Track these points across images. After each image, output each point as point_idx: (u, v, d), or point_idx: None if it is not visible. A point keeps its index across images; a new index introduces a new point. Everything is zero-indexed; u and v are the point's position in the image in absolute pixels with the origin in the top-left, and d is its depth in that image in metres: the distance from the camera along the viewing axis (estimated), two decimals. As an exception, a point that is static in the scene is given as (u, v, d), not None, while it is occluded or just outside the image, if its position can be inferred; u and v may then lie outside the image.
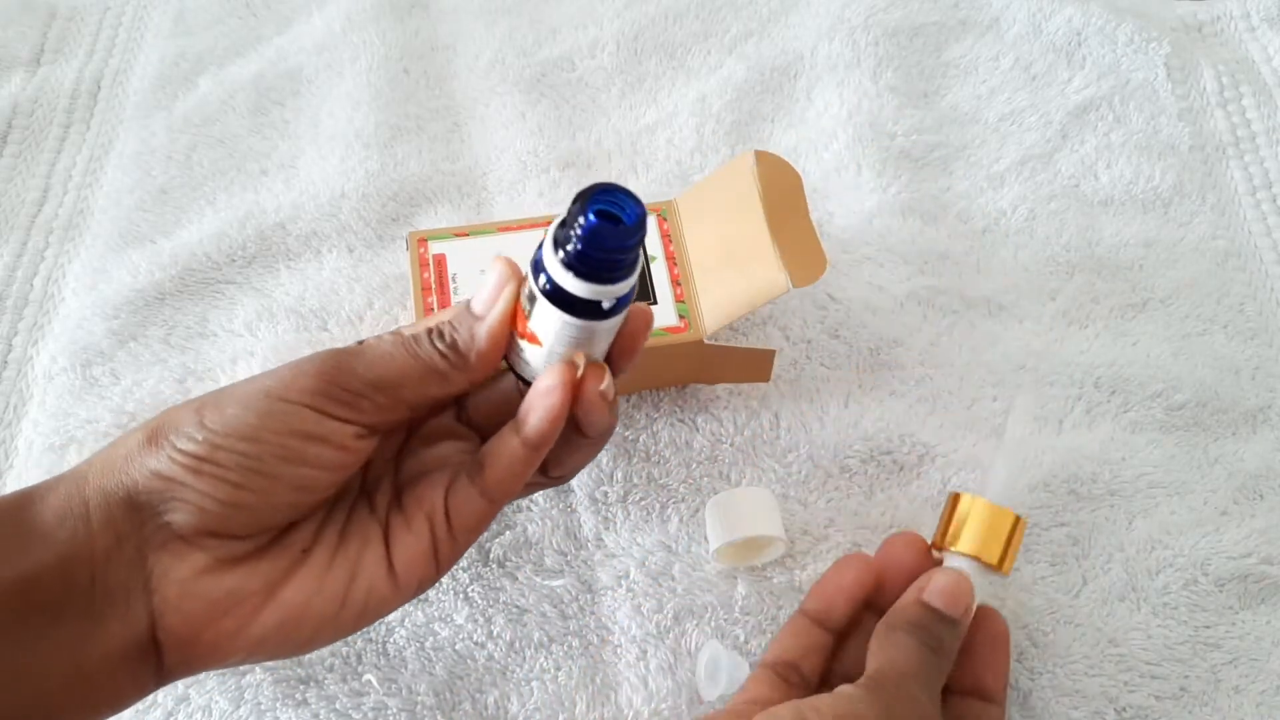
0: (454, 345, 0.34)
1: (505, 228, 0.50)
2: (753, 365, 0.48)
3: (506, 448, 0.35)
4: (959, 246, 0.55)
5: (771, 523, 0.43)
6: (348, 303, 0.52)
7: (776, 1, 0.66)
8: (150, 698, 0.40)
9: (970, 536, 0.39)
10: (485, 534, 0.45)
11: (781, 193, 0.46)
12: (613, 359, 0.36)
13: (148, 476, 0.31)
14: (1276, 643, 0.43)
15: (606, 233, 0.31)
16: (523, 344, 0.34)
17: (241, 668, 0.41)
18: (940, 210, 0.57)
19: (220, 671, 0.41)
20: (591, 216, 0.31)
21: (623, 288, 0.32)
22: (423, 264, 0.49)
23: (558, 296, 0.32)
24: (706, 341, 0.46)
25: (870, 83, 0.61)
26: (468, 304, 0.34)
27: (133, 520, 0.31)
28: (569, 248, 0.31)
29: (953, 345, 0.52)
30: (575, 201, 0.31)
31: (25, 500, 0.31)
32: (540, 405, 0.34)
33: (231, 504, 0.31)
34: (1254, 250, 0.56)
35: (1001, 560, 0.39)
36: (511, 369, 0.36)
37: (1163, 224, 0.56)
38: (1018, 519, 0.40)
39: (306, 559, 0.34)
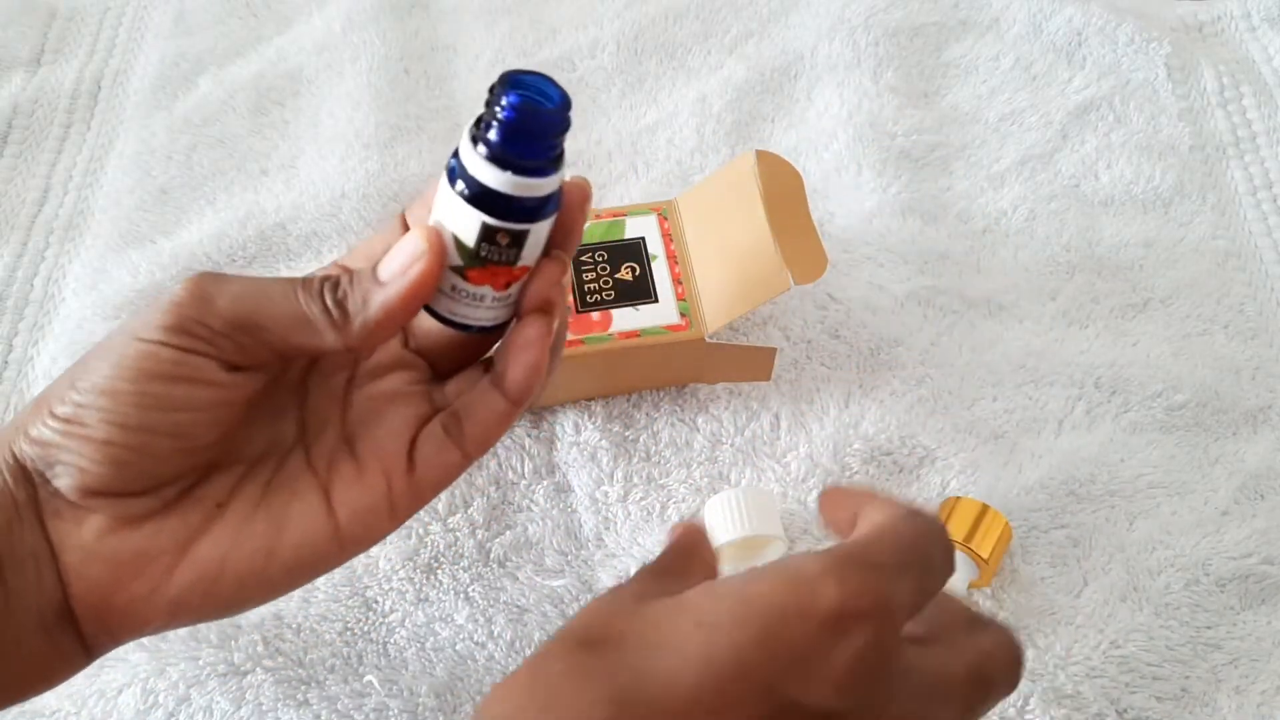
0: (341, 304, 0.31)
1: None
2: (753, 364, 0.48)
3: (489, 404, 0.33)
4: (959, 246, 0.55)
5: (771, 522, 0.43)
6: (348, 303, 0.52)
7: (776, 1, 0.66)
8: (151, 698, 0.40)
9: (954, 526, 0.43)
10: (485, 533, 0.45)
11: (782, 192, 0.46)
12: (554, 245, 0.32)
13: (30, 443, 0.30)
14: (1277, 643, 0.43)
15: (532, 111, 0.28)
16: (464, 287, 0.31)
17: (243, 668, 0.41)
18: (940, 210, 0.57)
19: (222, 672, 0.41)
20: (514, 96, 0.28)
21: (554, 181, 0.29)
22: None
23: (484, 198, 0.29)
24: (708, 340, 0.46)
25: (870, 83, 0.61)
26: (374, 265, 0.31)
27: (26, 489, 0.30)
28: (491, 136, 0.28)
29: (953, 345, 0.52)
30: (491, 90, 0.28)
31: None
32: (521, 362, 0.32)
33: (106, 461, 0.30)
34: (1254, 250, 0.56)
35: (968, 538, 0.42)
36: (441, 318, 0.32)
37: (1163, 224, 0.56)
38: (994, 511, 0.43)
39: (221, 513, 0.32)
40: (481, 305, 0.31)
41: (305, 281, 0.31)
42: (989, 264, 0.55)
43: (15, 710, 0.40)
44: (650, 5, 0.65)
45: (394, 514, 0.33)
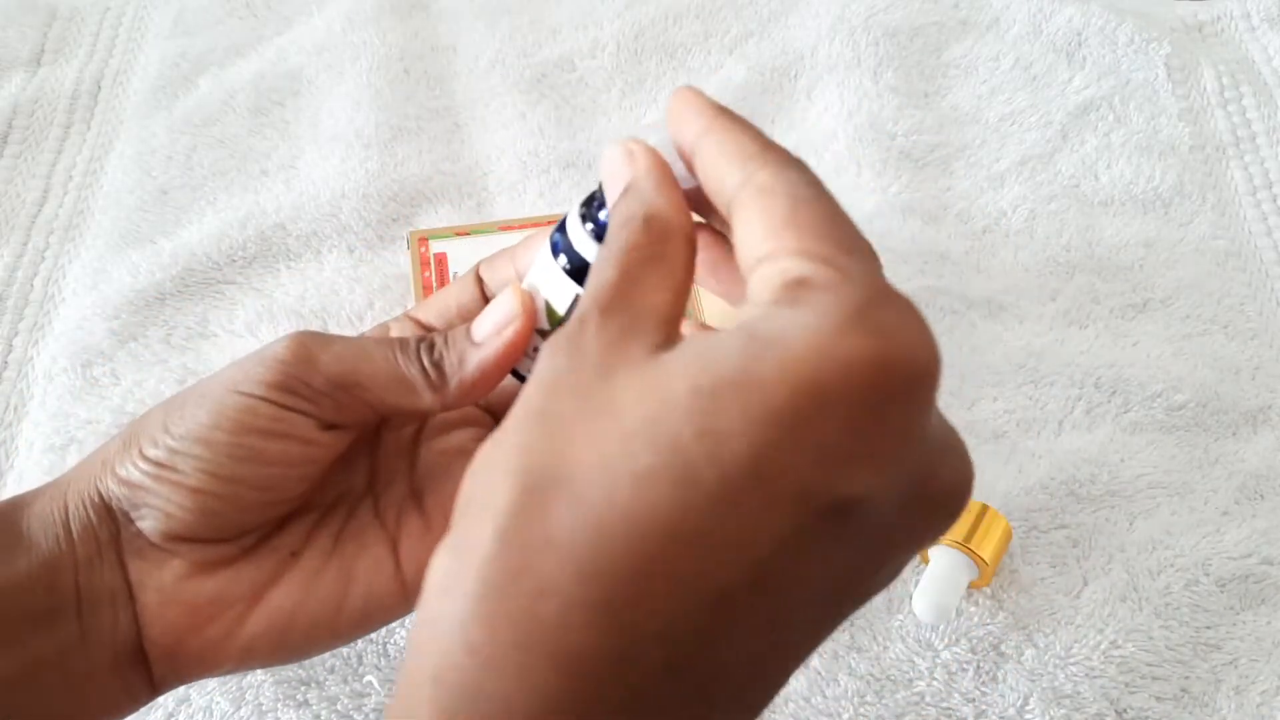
0: (438, 365, 0.31)
1: (506, 227, 0.50)
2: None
3: None
4: (959, 246, 0.55)
5: None
6: (348, 303, 0.52)
7: (776, 1, 0.66)
8: (151, 698, 0.40)
9: (954, 527, 0.42)
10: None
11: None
12: None
13: (118, 483, 0.30)
14: (1277, 643, 0.43)
15: None
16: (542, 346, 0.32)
17: (242, 668, 0.41)
18: (940, 210, 0.57)
19: (221, 672, 0.41)
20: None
21: None
22: (424, 263, 0.49)
23: (584, 273, 0.29)
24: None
25: (870, 83, 0.61)
26: (468, 325, 0.31)
27: (109, 528, 0.30)
28: (601, 217, 0.29)
29: (953, 345, 0.52)
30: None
31: (10, 508, 0.31)
32: None
33: (195, 509, 0.30)
34: (1254, 250, 0.56)
35: (968, 538, 0.42)
36: (522, 377, 0.33)
37: (1163, 224, 0.56)
38: (994, 511, 0.43)
39: (295, 562, 0.32)
40: None
41: (402, 343, 0.31)
42: (989, 264, 0.55)
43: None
44: (650, 5, 0.65)
45: None
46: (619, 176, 0.27)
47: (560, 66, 0.63)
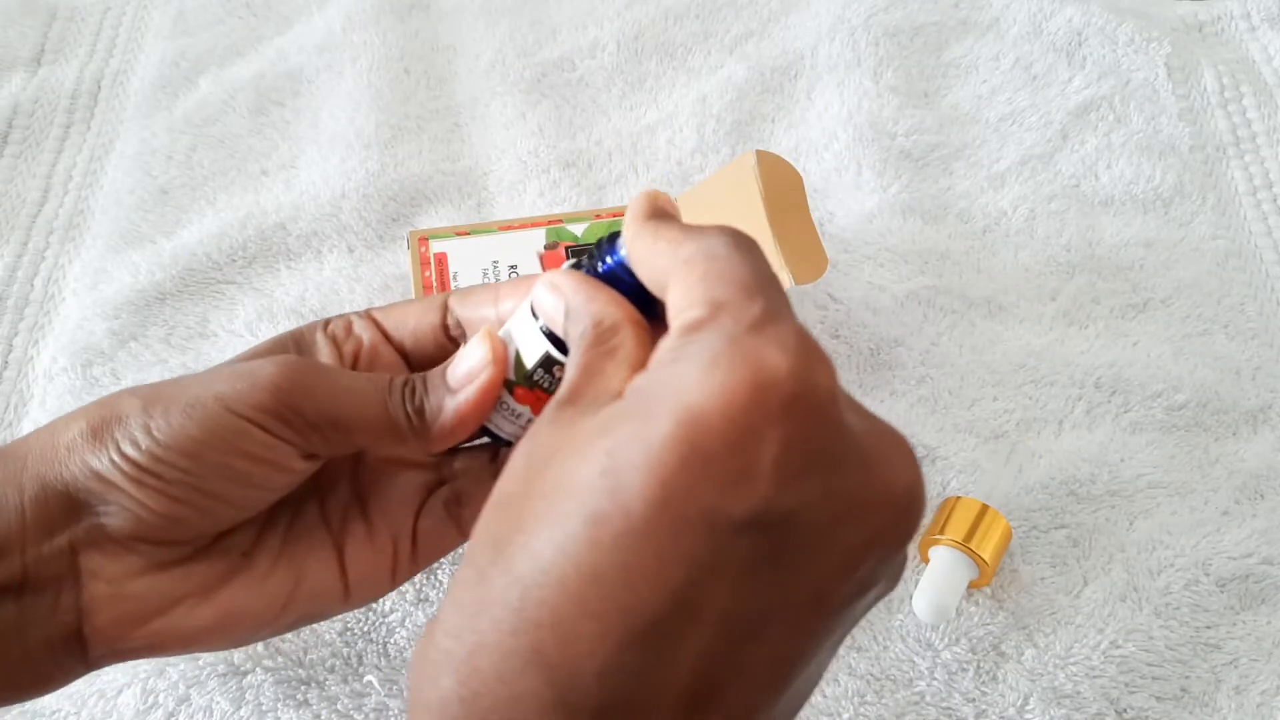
0: (420, 411, 0.32)
1: (506, 227, 0.50)
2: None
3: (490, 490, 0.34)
4: (959, 246, 0.55)
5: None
6: (348, 303, 0.52)
7: (776, 1, 0.66)
8: (150, 698, 0.40)
9: (953, 526, 0.43)
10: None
11: (782, 191, 0.46)
12: None
13: (88, 475, 0.30)
14: (1277, 643, 0.43)
15: (628, 276, 0.29)
16: (508, 402, 0.32)
17: (243, 668, 0.41)
18: (940, 210, 0.57)
19: (222, 672, 0.41)
20: (618, 257, 0.29)
21: None
22: (424, 263, 0.49)
23: (558, 337, 0.31)
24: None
25: (871, 83, 0.61)
26: (444, 370, 0.32)
27: (67, 515, 0.30)
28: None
29: (953, 345, 0.52)
30: (599, 244, 0.30)
31: None
32: None
33: (168, 516, 0.30)
34: (1254, 250, 0.56)
35: (968, 538, 0.42)
36: (488, 431, 0.34)
37: (1163, 224, 0.56)
38: (994, 511, 0.43)
39: (247, 563, 0.32)
40: (517, 422, 0.33)
41: (388, 386, 0.32)
42: (989, 264, 0.55)
43: (16, 710, 0.40)
44: (650, 5, 0.65)
45: (394, 578, 0.34)
46: (555, 310, 0.30)
47: (560, 66, 0.63)
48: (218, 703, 0.41)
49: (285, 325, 0.51)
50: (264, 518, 0.33)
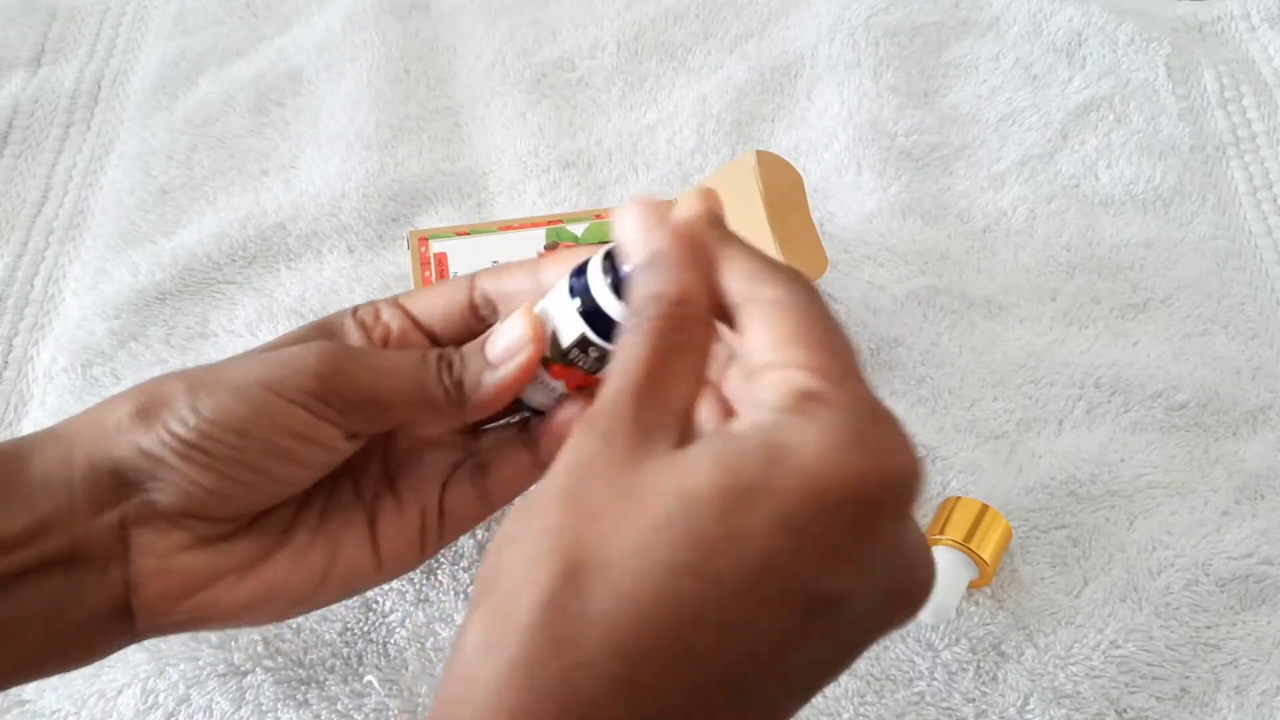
0: (458, 384, 0.33)
1: (506, 227, 0.50)
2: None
3: (517, 463, 0.35)
4: (959, 246, 0.55)
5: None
6: (348, 303, 0.52)
7: (776, 1, 0.66)
8: (151, 698, 0.40)
9: (953, 526, 0.43)
10: (486, 534, 0.45)
11: (782, 192, 0.46)
12: None
13: (136, 453, 0.31)
14: (1277, 643, 0.43)
15: None
16: (543, 376, 0.33)
17: (243, 668, 0.41)
18: (940, 210, 0.57)
19: (222, 672, 0.41)
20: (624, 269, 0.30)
21: None
22: (424, 262, 0.49)
23: (594, 317, 0.31)
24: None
25: (870, 83, 0.61)
26: (483, 344, 0.33)
27: (117, 492, 0.31)
28: (621, 271, 0.30)
29: (953, 345, 0.52)
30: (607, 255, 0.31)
31: (9, 457, 0.31)
32: (562, 434, 0.33)
33: (216, 492, 0.31)
34: (1254, 250, 0.56)
35: (968, 538, 0.42)
36: (522, 402, 0.35)
37: (1163, 224, 0.56)
38: (994, 511, 0.43)
39: (286, 539, 0.34)
40: (551, 396, 0.34)
41: (425, 361, 0.33)
42: (989, 264, 0.55)
43: (16, 710, 0.40)
44: (650, 5, 0.65)
45: (423, 551, 0.36)
46: (642, 241, 0.29)
47: (560, 66, 0.63)
48: (218, 703, 0.41)
49: (285, 325, 0.51)
50: (301, 497, 0.34)
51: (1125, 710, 0.42)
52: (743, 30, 0.65)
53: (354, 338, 0.36)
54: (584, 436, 0.25)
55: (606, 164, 0.58)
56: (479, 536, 0.45)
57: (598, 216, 0.50)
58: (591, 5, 0.66)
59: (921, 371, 0.51)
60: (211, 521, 0.32)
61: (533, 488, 0.26)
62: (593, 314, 0.31)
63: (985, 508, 0.43)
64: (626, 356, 0.27)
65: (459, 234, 0.50)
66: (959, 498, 0.44)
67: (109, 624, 0.32)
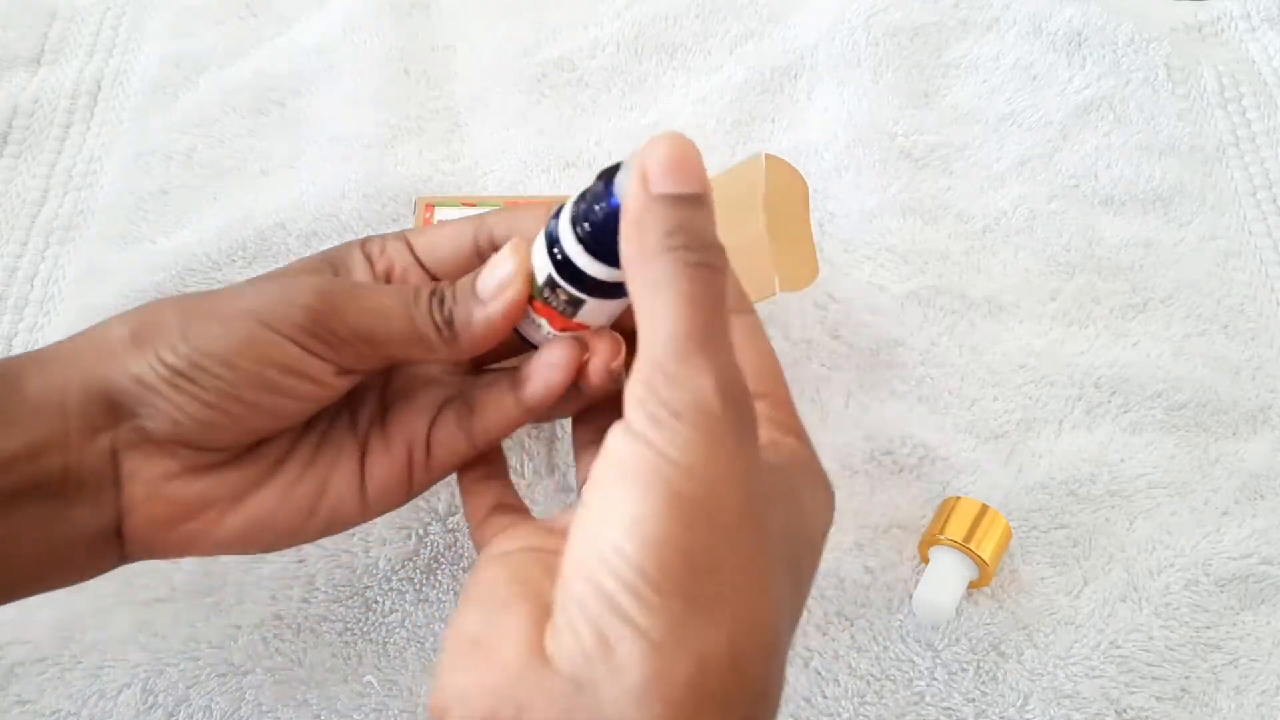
0: (450, 321, 0.33)
1: (512, 203, 0.51)
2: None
3: (500, 402, 0.35)
4: (959, 246, 0.55)
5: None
6: (348, 303, 0.52)
7: (777, 1, 0.66)
8: (150, 698, 0.40)
9: (953, 526, 0.43)
10: (486, 534, 0.45)
11: (785, 197, 0.46)
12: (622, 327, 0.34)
13: (129, 379, 0.31)
14: (1277, 643, 0.44)
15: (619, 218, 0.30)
16: (530, 312, 0.33)
17: (243, 668, 0.41)
18: (940, 210, 0.57)
19: (222, 672, 0.41)
20: (614, 199, 0.29)
21: (621, 274, 0.31)
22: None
23: (571, 273, 0.31)
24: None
25: (870, 83, 0.61)
26: (473, 280, 0.33)
27: (109, 417, 0.31)
28: (586, 225, 0.30)
29: (953, 345, 0.52)
30: (600, 179, 0.30)
31: (3, 378, 0.31)
32: (542, 377, 0.34)
33: (205, 422, 0.31)
34: (1254, 250, 0.56)
35: (968, 538, 0.43)
36: (524, 339, 0.35)
37: (1163, 224, 0.56)
38: (993, 511, 0.43)
39: (278, 470, 0.34)
40: (539, 332, 0.34)
41: (414, 296, 0.33)
42: (989, 264, 0.55)
43: (15, 710, 0.40)
44: (650, 5, 0.65)
45: (409, 489, 0.35)
46: (681, 175, 0.28)
47: (560, 66, 0.63)
48: (217, 703, 0.41)
49: (285, 325, 0.51)
50: (299, 429, 0.34)
51: (1125, 710, 0.42)
52: (743, 30, 0.65)
53: (359, 269, 0.36)
54: (705, 436, 0.25)
55: (606, 164, 0.58)
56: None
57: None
58: (591, 5, 0.66)
59: (921, 371, 0.51)
60: (202, 450, 0.32)
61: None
62: (559, 258, 0.31)
63: (985, 508, 0.43)
64: (686, 309, 0.26)
65: (465, 204, 0.50)
66: (959, 498, 0.44)
67: (100, 546, 0.32)
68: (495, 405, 0.35)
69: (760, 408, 0.31)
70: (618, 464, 0.25)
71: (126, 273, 0.54)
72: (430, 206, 0.50)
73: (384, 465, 0.35)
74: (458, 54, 0.64)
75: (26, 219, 0.57)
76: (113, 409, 0.31)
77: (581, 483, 0.32)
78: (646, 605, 0.23)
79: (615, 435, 0.26)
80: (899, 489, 0.47)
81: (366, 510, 0.35)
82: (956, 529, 0.43)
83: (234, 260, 0.54)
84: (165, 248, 0.55)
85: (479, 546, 0.34)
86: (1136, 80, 0.62)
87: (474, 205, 0.50)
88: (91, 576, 0.33)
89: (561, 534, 0.27)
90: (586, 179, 0.57)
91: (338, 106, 0.61)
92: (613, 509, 0.25)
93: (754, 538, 0.25)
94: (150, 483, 0.32)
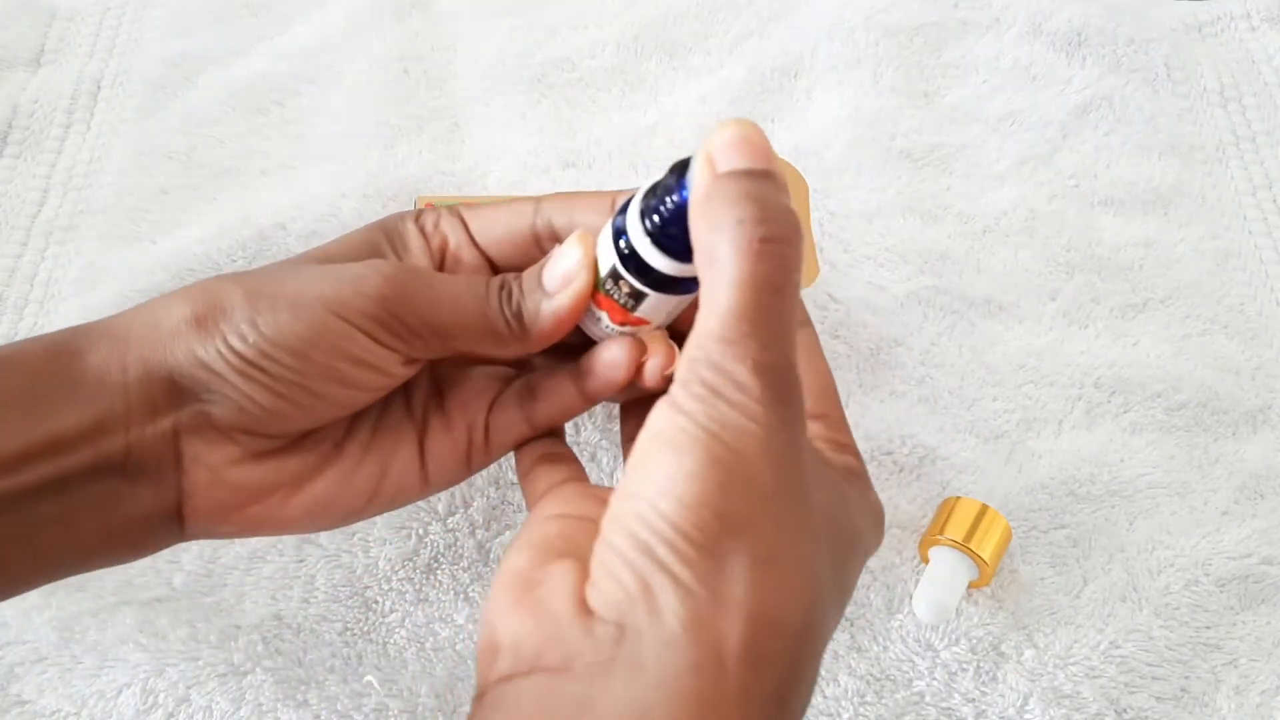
0: (519, 314, 0.33)
1: (514, 200, 0.50)
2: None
3: (562, 391, 0.35)
4: (959, 246, 0.55)
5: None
6: (348, 303, 0.52)
7: (777, 1, 0.66)
8: (150, 698, 0.40)
9: (953, 526, 0.43)
10: (485, 533, 0.45)
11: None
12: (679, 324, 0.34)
13: (193, 363, 0.30)
14: (1277, 643, 0.44)
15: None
16: (592, 306, 0.33)
17: (243, 668, 0.41)
18: (940, 210, 0.57)
19: (222, 672, 0.41)
20: (684, 192, 0.29)
21: (689, 270, 0.31)
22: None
23: (636, 265, 0.31)
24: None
25: (870, 83, 0.61)
26: (539, 273, 0.33)
27: (171, 400, 0.31)
28: (655, 219, 0.30)
29: (953, 345, 0.52)
30: (671, 172, 0.30)
31: (63, 351, 0.31)
32: (603, 374, 0.34)
33: (272, 410, 0.31)
34: (1254, 250, 0.56)
35: (968, 538, 0.43)
36: (584, 333, 0.35)
37: (1163, 224, 0.56)
38: (993, 511, 0.43)
39: (338, 454, 0.34)
40: (598, 325, 0.34)
41: (485, 289, 0.33)
42: (989, 264, 0.55)
43: (15, 710, 0.40)
44: (650, 5, 0.65)
45: (469, 468, 0.36)
46: (750, 154, 0.27)
47: (560, 66, 0.63)
48: (217, 703, 0.41)
49: (285, 325, 0.51)
50: (355, 413, 0.34)
51: (1125, 710, 0.42)
52: (743, 30, 0.65)
53: (413, 243, 0.35)
54: (771, 431, 0.26)
55: (606, 164, 0.58)
56: (479, 536, 0.45)
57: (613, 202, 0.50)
58: (591, 5, 0.66)
59: (921, 371, 0.51)
60: (264, 438, 0.32)
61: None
62: (625, 249, 0.31)
63: (985, 508, 0.43)
64: (751, 296, 0.26)
65: (466, 204, 0.50)
66: (959, 498, 0.44)
67: (159, 526, 0.32)
68: (557, 394, 0.35)
69: (816, 429, 0.31)
70: (658, 433, 0.26)
71: (126, 273, 0.54)
72: (430, 206, 0.50)
73: (445, 446, 0.35)
74: (458, 54, 0.64)
75: (26, 219, 0.57)
76: (175, 392, 0.31)
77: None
78: (684, 559, 0.24)
79: (658, 409, 0.27)
80: (899, 489, 0.47)
81: (427, 488, 0.35)
82: (956, 529, 0.43)
83: (234, 260, 0.54)
84: (165, 248, 0.55)
85: (528, 499, 0.34)
86: (1136, 80, 0.62)
87: (475, 205, 0.50)
88: (148, 555, 0.33)
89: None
90: (587, 179, 0.57)
91: (338, 106, 0.61)
92: (651, 472, 0.25)
93: (793, 507, 0.25)
94: (213, 468, 0.31)
